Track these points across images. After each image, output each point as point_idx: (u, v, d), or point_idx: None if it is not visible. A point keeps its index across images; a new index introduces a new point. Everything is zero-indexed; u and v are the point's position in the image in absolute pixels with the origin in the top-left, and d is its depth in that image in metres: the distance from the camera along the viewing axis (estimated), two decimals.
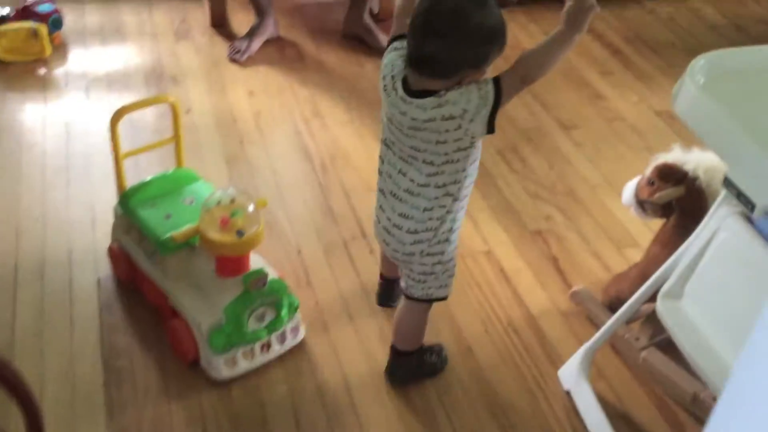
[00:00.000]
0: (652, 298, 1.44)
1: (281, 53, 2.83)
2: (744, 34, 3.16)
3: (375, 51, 2.83)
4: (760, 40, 3.13)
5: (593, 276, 1.99)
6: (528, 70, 1.33)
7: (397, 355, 1.66)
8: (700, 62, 1.31)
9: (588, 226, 2.16)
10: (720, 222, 1.32)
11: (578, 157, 2.43)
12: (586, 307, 1.86)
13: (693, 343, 1.30)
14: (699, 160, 1.61)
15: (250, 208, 1.60)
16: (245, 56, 2.73)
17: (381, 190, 1.50)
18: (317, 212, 2.14)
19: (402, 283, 1.61)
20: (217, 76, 2.67)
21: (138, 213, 1.73)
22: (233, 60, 2.72)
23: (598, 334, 1.63)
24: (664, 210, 1.69)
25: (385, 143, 1.46)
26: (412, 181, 1.42)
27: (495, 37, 1.32)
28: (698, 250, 1.32)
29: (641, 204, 1.73)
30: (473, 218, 2.12)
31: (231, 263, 1.61)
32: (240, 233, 1.56)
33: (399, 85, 1.36)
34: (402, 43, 1.40)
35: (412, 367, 1.67)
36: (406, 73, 1.36)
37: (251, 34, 2.78)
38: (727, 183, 1.24)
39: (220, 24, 2.92)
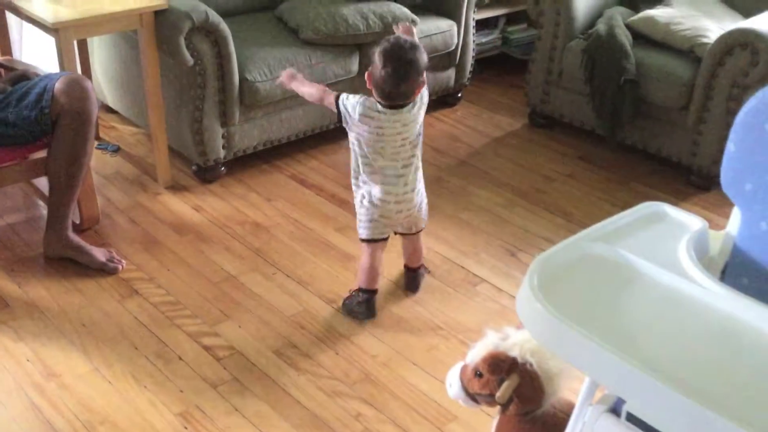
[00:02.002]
0: None
1: None
2: (443, 154, 3.33)
3: (92, 270, 2.45)
4: (453, 153, 3.33)
5: None
6: None
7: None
8: (536, 263, 1.25)
9: (400, 411, 2.02)
10: (592, 424, 1.26)
11: (357, 331, 2.29)
12: None
13: None
14: (521, 343, 1.56)
15: None
16: None
17: (405, 184, 2.27)
18: None
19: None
20: None
21: None
22: None
23: None
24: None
25: (395, 165, 2.23)
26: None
27: (427, 63, 2.18)
28: None
29: (472, 396, 1.63)
30: None
31: None
32: None
33: (389, 111, 2.16)
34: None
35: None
36: (384, 105, 2.15)
37: None
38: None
39: None
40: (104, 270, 2.46)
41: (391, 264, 2.57)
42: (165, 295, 2.39)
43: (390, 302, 2.42)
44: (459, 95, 3.79)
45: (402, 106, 2.16)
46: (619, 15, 3.25)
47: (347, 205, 2.91)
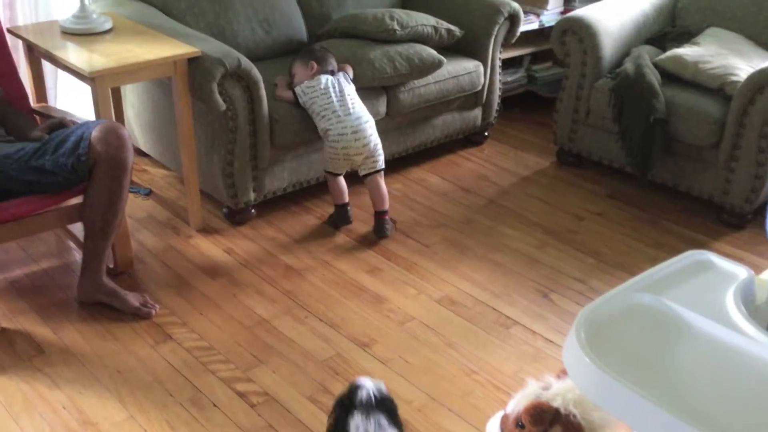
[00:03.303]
0: None
1: (12, 352, 2.31)
2: (472, 194, 3.34)
3: (126, 314, 2.46)
4: (481, 193, 3.34)
5: None
6: None
7: None
8: (583, 315, 1.24)
9: None
10: None
11: (390, 376, 2.28)
12: None
13: None
14: (564, 393, 1.55)
15: None
16: None
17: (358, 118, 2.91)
18: None
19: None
20: None
21: None
22: None
23: None
24: None
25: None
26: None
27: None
28: None
29: None
30: None
31: None
32: None
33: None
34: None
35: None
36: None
37: None
38: None
39: None
40: (138, 315, 2.48)
41: (421, 305, 2.56)
42: (198, 340, 2.39)
43: (422, 345, 2.41)
44: (486, 134, 3.81)
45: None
46: (646, 54, 3.26)
47: (377, 247, 2.92)
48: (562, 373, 1.59)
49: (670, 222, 3.16)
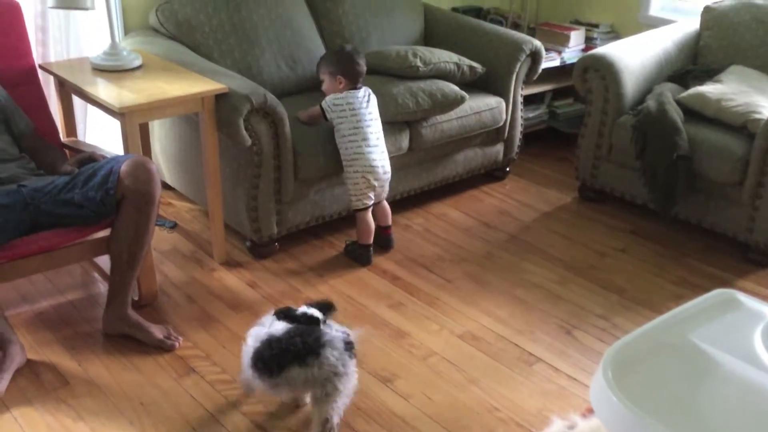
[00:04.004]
0: None
1: (38, 382, 2.34)
2: (494, 229, 3.34)
3: (150, 347, 2.48)
4: (503, 228, 3.34)
5: None
6: None
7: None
8: (610, 354, 1.24)
9: None
10: None
11: (412, 412, 2.27)
12: None
13: None
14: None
15: None
16: None
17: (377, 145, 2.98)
18: None
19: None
20: None
21: None
22: None
23: None
24: None
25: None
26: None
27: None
28: None
29: None
30: None
31: None
32: None
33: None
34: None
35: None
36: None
37: None
38: None
39: None
40: (161, 347, 2.49)
41: (443, 341, 2.55)
42: (220, 373, 2.40)
43: (445, 381, 2.40)
44: (507, 169, 3.82)
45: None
46: (668, 92, 3.27)
47: (400, 281, 2.92)
48: (588, 412, 1.58)
49: (694, 259, 3.14)
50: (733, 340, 1.29)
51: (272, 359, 2.00)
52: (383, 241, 3.14)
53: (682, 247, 3.22)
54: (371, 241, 3.05)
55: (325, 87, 3.03)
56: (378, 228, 3.11)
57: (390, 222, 3.15)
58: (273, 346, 2.01)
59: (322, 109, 2.95)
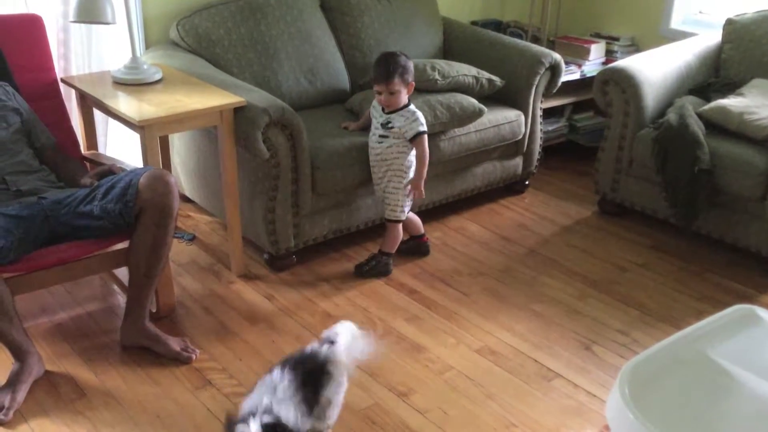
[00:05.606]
0: None
1: (55, 394, 2.35)
2: (512, 243, 3.32)
3: (167, 359, 2.48)
4: (521, 242, 3.31)
5: None
6: None
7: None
8: (627, 370, 1.22)
9: None
10: None
11: (428, 427, 2.25)
12: None
13: None
14: None
15: None
16: (11, 412, 2.21)
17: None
18: None
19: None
20: None
21: None
22: None
23: None
24: None
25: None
26: None
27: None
28: None
29: None
30: None
31: None
32: None
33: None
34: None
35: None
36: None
37: (13, 382, 2.28)
38: None
39: None
40: (178, 359, 2.50)
41: (460, 355, 2.53)
42: (237, 386, 2.40)
43: (461, 396, 2.38)
44: (526, 183, 3.80)
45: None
46: (689, 105, 3.24)
47: (417, 295, 2.91)
48: (606, 429, 1.55)
49: (715, 274, 3.09)
50: (753, 356, 1.27)
51: None
52: (423, 249, 3.21)
53: (704, 262, 3.18)
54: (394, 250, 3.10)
55: (398, 100, 2.88)
56: (412, 238, 3.19)
57: (423, 230, 3.21)
58: None
59: (423, 132, 2.92)
